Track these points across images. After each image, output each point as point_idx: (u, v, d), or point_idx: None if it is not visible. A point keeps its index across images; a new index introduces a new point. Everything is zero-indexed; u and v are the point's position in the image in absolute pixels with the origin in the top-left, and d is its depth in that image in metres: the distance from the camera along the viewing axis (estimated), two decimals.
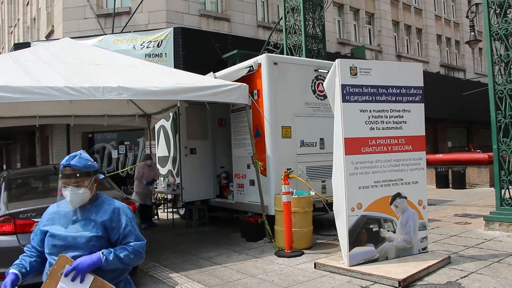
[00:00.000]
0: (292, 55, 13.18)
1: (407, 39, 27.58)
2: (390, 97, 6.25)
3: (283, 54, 13.30)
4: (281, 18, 14.45)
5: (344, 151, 5.91)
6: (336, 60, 6.12)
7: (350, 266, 5.85)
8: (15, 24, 30.70)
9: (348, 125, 5.96)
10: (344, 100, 5.96)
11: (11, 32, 32.48)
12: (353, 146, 5.96)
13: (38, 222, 5.13)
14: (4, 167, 38.01)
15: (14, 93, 5.94)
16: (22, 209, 5.37)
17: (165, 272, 6.50)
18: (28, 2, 25.73)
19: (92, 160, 2.83)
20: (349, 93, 5.99)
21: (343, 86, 5.97)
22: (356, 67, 6.07)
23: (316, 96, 8.71)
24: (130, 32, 15.72)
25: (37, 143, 20.99)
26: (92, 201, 2.82)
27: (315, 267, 6.25)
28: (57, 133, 16.70)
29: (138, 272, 6.51)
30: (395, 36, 26.58)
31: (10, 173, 6.83)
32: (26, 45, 15.24)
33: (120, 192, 6.37)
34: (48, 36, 19.14)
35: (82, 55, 7.98)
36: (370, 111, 6.10)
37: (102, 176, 2.95)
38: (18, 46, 15.51)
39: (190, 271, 6.48)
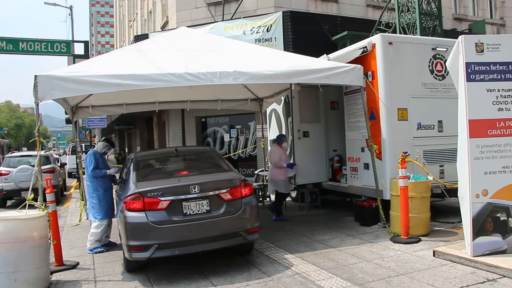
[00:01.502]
0: (405, 34, 12.64)
1: None
2: None
3: (395, 33, 12.79)
4: None
5: (469, 134, 5.57)
6: (460, 36, 5.75)
7: (473, 257, 5.54)
8: (134, 18, 33.00)
9: (473, 106, 5.59)
10: (468, 79, 5.60)
11: (131, 26, 35.05)
12: (478, 128, 5.59)
13: (164, 200, 5.57)
14: (126, 150, 41.20)
15: (140, 81, 6.40)
16: (149, 188, 5.76)
17: (279, 253, 6.64)
18: None
19: None
20: (474, 72, 5.62)
21: (468, 64, 5.61)
22: (482, 43, 5.66)
23: (434, 76, 8.28)
24: (240, 18, 16.04)
25: (154, 128, 22.38)
26: None
27: (434, 255, 6.01)
28: (173, 118, 17.69)
29: (254, 251, 6.73)
30: None
31: (137, 155, 7.33)
32: (144, 36, 16.28)
33: (238, 173, 6.54)
34: (163, 27, 20.21)
35: (198, 42, 8.32)
36: (499, 91, 5.66)
37: None
38: (138, 38, 16.59)
39: (305, 253, 6.55)
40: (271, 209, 9.58)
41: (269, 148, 12.29)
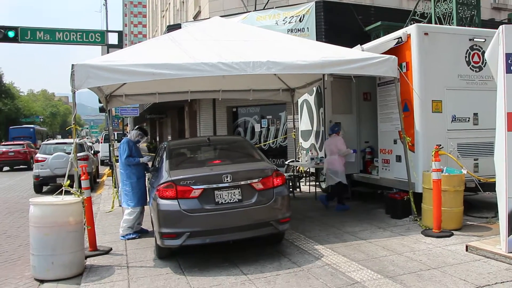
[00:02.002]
0: (441, 24, 12.35)
1: None
2: None
3: (431, 24, 12.51)
4: None
5: (507, 127, 5.41)
6: (500, 26, 5.57)
7: (508, 253, 5.42)
8: (166, 9, 33.24)
9: None
10: (508, 70, 5.44)
11: (163, 16, 35.35)
12: None
13: (196, 189, 5.63)
14: (157, 138, 41.77)
15: (173, 70, 6.46)
16: (182, 176, 5.83)
17: (310, 244, 6.64)
18: None
19: None
20: None
21: (508, 55, 5.44)
22: None
23: (470, 67, 8.09)
24: (272, 8, 15.95)
25: (186, 117, 22.57)
26: None
27: (466, 250, 5.91)
28: (204, 107, 17.81)
29: (284, 241, 6.76)
30: None
31: (170, 144, 7.39)
32: (177, 26, 16.39)
33: (270, 163, 6.53)
34: (196, 17, 20.28)
35: (231, 32, 8.34)
36: None
37: None
38: (170, 28, 16.72)
39: (335, 244, 6.54)
40: (331, 198, 9.40)
41: (300, 139, 12.28)
